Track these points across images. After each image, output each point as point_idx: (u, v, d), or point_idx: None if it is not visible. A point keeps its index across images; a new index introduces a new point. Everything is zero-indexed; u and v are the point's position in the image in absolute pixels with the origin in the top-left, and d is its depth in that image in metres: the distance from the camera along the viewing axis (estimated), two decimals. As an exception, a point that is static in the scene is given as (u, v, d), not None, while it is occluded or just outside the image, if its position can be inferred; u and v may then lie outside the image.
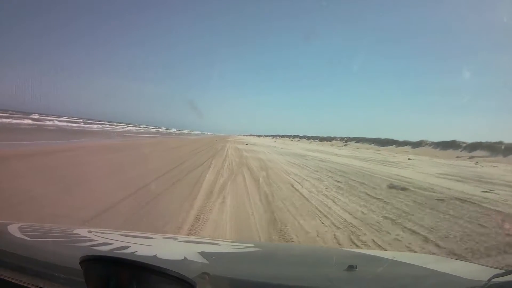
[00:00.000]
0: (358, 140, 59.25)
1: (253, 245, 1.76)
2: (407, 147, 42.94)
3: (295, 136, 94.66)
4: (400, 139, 47.50)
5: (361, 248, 3.14)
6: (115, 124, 70.52)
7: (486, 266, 1.41)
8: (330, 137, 70.29)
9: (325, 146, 43.79)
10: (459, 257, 2.99)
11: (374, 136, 55.02)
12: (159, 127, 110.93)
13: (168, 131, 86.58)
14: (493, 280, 0.87)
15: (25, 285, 0.82)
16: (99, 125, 50.38)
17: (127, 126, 73.86)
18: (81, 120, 56.65)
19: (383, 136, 53.80)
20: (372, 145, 51.72)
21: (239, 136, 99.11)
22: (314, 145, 47.17)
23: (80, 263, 0.68)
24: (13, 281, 0.84)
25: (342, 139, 67.24)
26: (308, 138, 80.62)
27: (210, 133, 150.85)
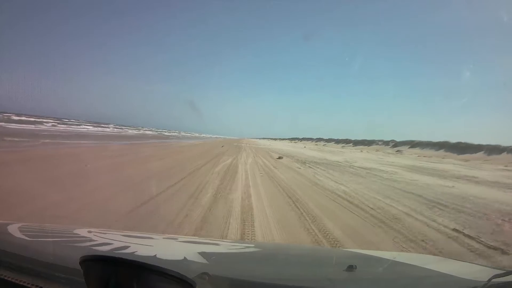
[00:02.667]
0: (412, 144, 44.51)
1: (253, 245, 1.85)
2: (507, 155, 27.90)
3: (319, 139, 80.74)
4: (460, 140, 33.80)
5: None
6: (120, 127, 69.06)
7: (486, 266, 1.43)
8: (367, 140, 55.92)
9: (380, 154, 33.53)
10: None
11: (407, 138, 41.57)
12: (168, 130, 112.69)
13: (169, 134, 77.72)
14: (493, 280, 0.87)
15: (25, 285, 0.84)
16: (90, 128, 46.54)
17: (132, 129, 71.84)
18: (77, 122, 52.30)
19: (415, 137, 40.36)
20: (441, 152, 36.44)
21: (253, 140, 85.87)
22: (360, 152, 33.44)
23: (80, 263, 0.69)
24: (13, 281, 0.85)
25: (385, 143, 52.40)
26: (337, 141, 66.44)
27: (224, 137, 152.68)
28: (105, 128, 52.71)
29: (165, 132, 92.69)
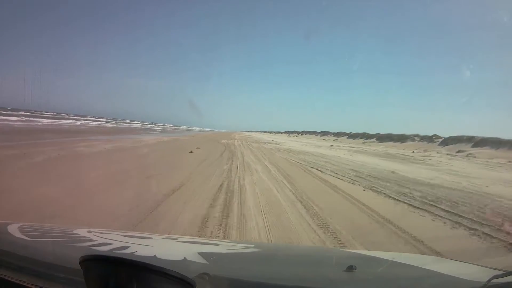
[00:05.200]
0: (474, 142, 31.60)
1: (253, 245, 1.79)
2: None
3: (324, 133, 67.52)
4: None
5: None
6: (102, 120, 66.36)
7: (485, 267, 1.32)
8: (395, 135, 43.30)
9: (461, 160, 21.28)
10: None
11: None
12: (160, 124, 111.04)
13: (155, 127, 75.60)
14: (493, 281, 0.88)
15: (25, 285, 0.84)
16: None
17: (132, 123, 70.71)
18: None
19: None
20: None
21: (248, 134, 72.26)
22: (422, 155, 25.29)
23: (80, 263, 0.70)
24: (13, 281, 0.86)
25: (423, 138, 39.33)
26: (351, 136, 53.13)
27: (219, 130, 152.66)
28: (74, 121, 45.66)
29: (155, 126, 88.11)
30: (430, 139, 39.23)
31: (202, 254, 1.16)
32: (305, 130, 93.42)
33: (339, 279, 1.04)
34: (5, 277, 0.85)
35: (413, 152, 28.24)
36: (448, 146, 35.23)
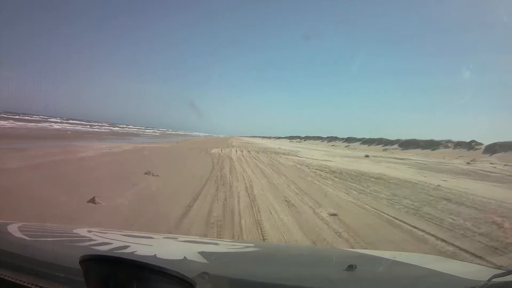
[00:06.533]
0: None
1: (253, 245, 1.80)
2: None
3: (332, 138, 61.25)
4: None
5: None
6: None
7: (486, 266, 1.39)
8: (421, 141, 37.25)
9: None
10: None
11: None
12: (156, 128, 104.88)
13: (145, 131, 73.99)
14: (493, 280, 0.87)
15: (25, 285, 0.85)
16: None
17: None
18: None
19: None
20: None
21: (246, 139, 66.13)
22: None
23: (80, 262, 0.70)
24: (13, 280, 0.86)
25: (459, 145, 33.57)
26: (365, 142, 46.95)
27: (218, 135, 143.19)
28: (52, 125, 41.73)
29: (149, 130, 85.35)
30: (468, 145, 32.87)
31: (202, 253, 1.16)
32: (309, 135, 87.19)
33: (339, 279, 1.04)
34: (5, 277, 0.85)
35: (468, 163, 21.97)
36: (497, 154, 28.91)
